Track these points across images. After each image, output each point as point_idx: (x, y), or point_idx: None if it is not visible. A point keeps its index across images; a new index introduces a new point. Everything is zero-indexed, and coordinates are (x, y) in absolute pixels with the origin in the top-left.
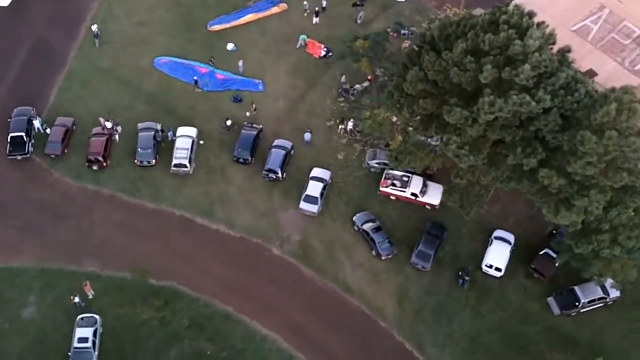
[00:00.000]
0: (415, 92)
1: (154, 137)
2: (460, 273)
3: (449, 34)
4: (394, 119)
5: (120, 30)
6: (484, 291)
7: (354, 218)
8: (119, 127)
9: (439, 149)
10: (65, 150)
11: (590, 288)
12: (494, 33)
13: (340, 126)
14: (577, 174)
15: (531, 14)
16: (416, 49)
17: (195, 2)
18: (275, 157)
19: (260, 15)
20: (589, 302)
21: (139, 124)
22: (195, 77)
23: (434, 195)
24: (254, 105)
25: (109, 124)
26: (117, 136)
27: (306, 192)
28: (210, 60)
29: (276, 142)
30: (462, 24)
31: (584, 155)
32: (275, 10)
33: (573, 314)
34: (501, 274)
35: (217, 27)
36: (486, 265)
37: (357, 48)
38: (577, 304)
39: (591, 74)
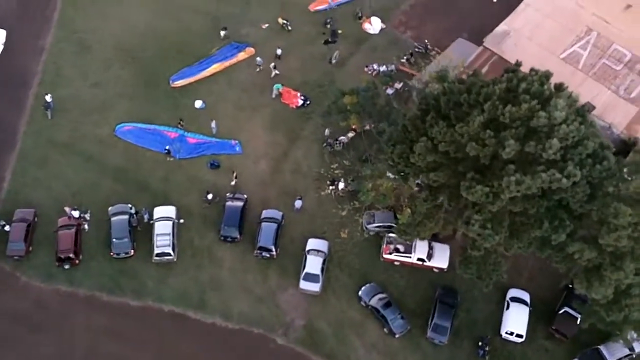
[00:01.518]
0: (424, 164)
1: (129, 222)
2: (480, 344)
3: (459, 102)
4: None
5: (73, 94)
6: (506, 359)
7: (359, 293)
8: (88, 214)
9: (461, 226)
10: (30, 248)
11: (616, 346)
12: (513, 104)
13: (330, 187)
14: (610, 245)
15: (548, 75)
16: (418, 112)
17: (152, 54)
18: (266, 233)
19: (227, 63)
20: None
21: (110, 209)
22: (167, 147)
23: (441, 258)
24: (234, 174)
25: (75, 213)
26: (86, 225)
27: (305, 270)
28: (179, 123)
29: (265, 213)
30: (474, 91)
31: (618, 228)
32: (242, 56)
33: None
34: (522, 339)
35: (180, 83)
36: (506, 333)
37: (344, 105)
38: None
39: (589, 108)
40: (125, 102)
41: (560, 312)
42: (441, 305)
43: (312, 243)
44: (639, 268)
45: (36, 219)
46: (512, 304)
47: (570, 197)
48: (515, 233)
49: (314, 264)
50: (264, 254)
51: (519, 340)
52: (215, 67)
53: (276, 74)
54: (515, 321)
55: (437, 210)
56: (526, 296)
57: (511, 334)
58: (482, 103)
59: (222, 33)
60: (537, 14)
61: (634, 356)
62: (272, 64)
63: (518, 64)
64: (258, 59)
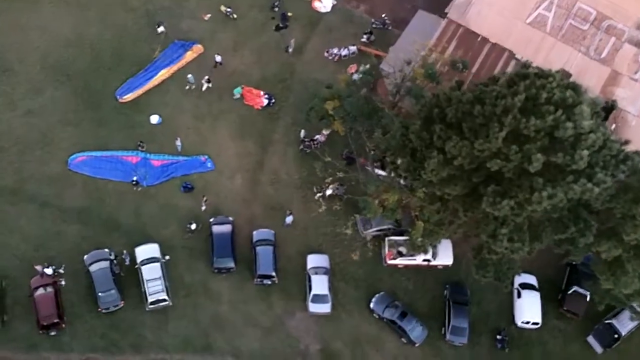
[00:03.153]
0: (437, 179)
1: (111, 270)
2: (498, 337)
3: (473, 114)
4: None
5: (4, 130)
6: (525, 347)
7: (371, 305)
8: (62, 268)
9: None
10: (4, 319)
11: (626, 318)
12: (536, 115)
13: (317, 194)
14: (635, 239)
15: (571, 86)
16: (419, 121)
17: (87, 68)
18: (264, 258)
19: (175, 67)
20: (628, 332)
21: (85, 257)
22: (134, 178)
23: (445, 255)
24: (205, 198)
25: (49, 270)
26: (63, 281)
27: (313, 292)
28: (139, 145)
29: (257, 235)
30: (488, 102)
31: None
32: (190, 56)
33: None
34: (539, 325)
35: (129, 97)
36: (522, 322)
37: (324, 109)
38: (617, 337)
39: (565, 75)
40: (69, 129)
41: (570, 292)
42: (455, 305)
43: (312, 260)
44: None
45: (3, 284)
46: (523, 292)
47: (594, 199)
48: (538, 237)
49: (320, 284)
50: (265, 281)
51: (536, 327)
52: (163, 74)
53: (208, 88)
54: (530, 310)
55: (450, 220)
56: (534, 280)
57: (527, 322)
58: (500, 115)
59: (159, 30)
60: None
61: None
62: (205, 77)
63: (527, 65)
64: (189, 76)
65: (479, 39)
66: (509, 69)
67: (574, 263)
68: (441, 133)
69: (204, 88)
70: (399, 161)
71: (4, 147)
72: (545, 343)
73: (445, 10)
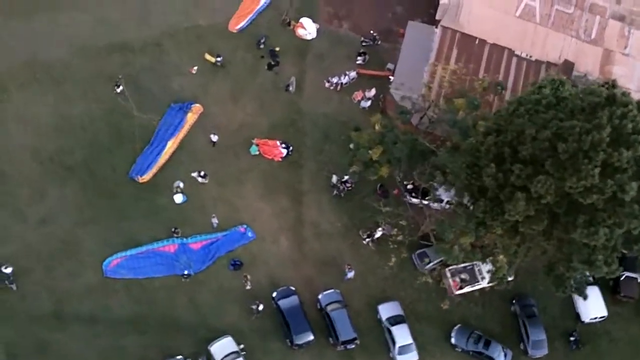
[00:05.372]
0: (521, 217)
1: None
2: (571, 339)
3: (555, 150)
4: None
5: (22, 247)
6: (595, 340)
7: (451, 340)
8: None
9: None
10: None
11: None
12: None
13: (366, 240)
14: None
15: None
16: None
17: (85, 155)
18: (341, 322)
19: (180, 135)
20: None
21: None
22: (185, 272)
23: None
24: (247, 277)
25: None
26: None
27: (398, 344)
28: (174, 232)
29: (324, 298)
30: (570, 139)
31: None
32: (191, 118)
33: None
34: (605, 317)
35: (147, 177)
36: (591, 319)
37: (367, 157)
38: None
39: (569, 66)
40: (90, 229)
41: (622, 278)
42: (528, 320)
43: (385, 310)
44: None
45: None
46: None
47: None
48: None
49: (402, 334)
50: (348, 346)
51: (602, 319)
52: (171, 145)
53: (203, 184)
54: (595, 306)
55: (527, 247)
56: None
57: (595, 318)
58: (588, 151)
59: (118, 90)
60: None
61: None
62: (199, 172)
63: (612, 87)
64: (177, 182)
65: (476, 41)
66: (512, 68)
67: None
68: (521, 173)
69: (200, 181)
70: (464, 199)
71: (27, 268)
72: (610, 331)
73: (437, 17)
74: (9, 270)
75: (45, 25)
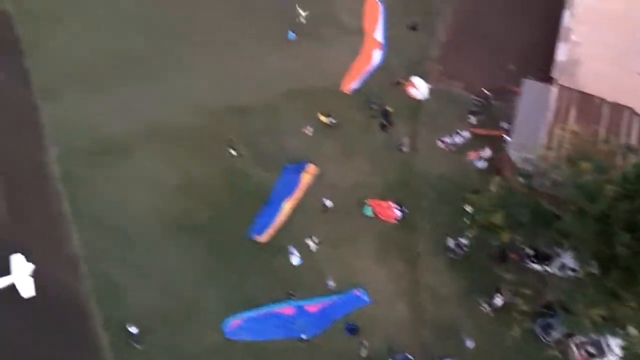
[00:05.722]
0: None
1: None
2: None
3: None
4: None
5: (148, 309)
6: None
7: None
8: None
9: None
10: None
11: None
12: None
13: (485, 306)
14: None
15: None
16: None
17: (205, 217)
18: None
19: (297, 196)
20: None
21: None
22: (302, 336)
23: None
24: (364, 343)
25: None
26: None
27: None
28: (291, 295)
29: None
30: None
31: None
32: (307, 178)
33: None
34: None
35: (264, 237)
36: None
37: (487, 221)
38: None
39: None
40: (210, 291)
41: None
42: None
43: None
44: None
45: None
46: None
47: None
48: None
49: None
50: None
51: None
52: (288, 206)
53: (317, 249)
54: None
55: None
56: None
57: None
58: None
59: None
60: (587, 26)
61: None
62: (311, 237)
63: None
64: (292, 244)
65: (595, 100)
66: (634, 128)
67: None
68: None
69: (314, 247)
70: (592, 268)
71: (151, 326)
72: None
73: (553, 75)
74: (134, 330)
75: (166, 89)
